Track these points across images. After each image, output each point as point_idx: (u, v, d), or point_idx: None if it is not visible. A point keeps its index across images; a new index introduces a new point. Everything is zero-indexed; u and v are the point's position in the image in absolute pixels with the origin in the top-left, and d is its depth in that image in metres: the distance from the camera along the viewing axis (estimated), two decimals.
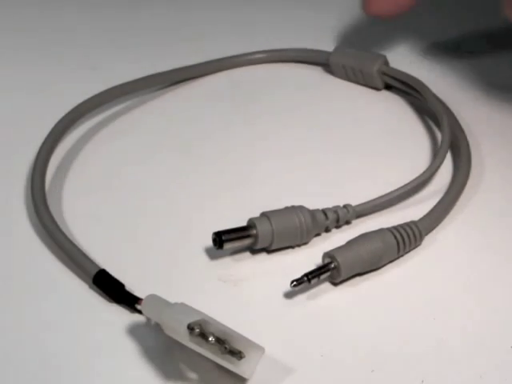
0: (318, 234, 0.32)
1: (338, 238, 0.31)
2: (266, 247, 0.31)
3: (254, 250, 0.31)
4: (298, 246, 0.31)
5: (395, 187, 0.33)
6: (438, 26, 0.54)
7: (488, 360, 0.26)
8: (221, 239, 0.29)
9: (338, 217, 0.32)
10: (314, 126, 0.40)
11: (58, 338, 0.27)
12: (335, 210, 0.32)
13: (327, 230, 0.32)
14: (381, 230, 0.30)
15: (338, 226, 0.32)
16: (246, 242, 0.30)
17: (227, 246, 0.30)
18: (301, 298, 0.28)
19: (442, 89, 0.41)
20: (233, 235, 0.30)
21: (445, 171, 0.34)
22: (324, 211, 0.31)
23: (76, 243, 0.30)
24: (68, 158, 0.37)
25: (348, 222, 0.32)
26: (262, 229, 0.30)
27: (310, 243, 0.31)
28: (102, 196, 0.35)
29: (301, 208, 0.31)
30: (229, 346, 0.24)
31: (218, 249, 0.30)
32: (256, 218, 0.30)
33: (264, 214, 0.31)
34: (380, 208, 0.33)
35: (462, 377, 0.25)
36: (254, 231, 0.30)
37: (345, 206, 0.32)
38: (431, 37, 0.52)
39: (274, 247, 0.30)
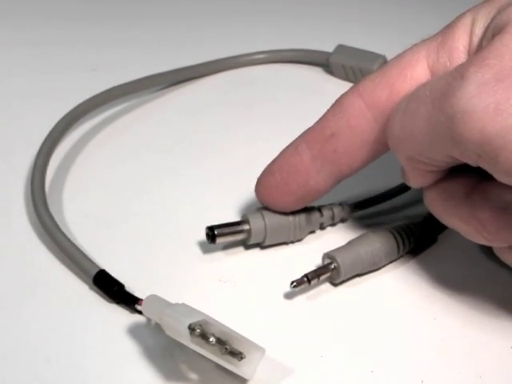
0: (312, 232, 0.32)
1: (333, 236, 0.32)
2: (259, 243, 0.31)
3: (248, 246, 0.31)
4: (292, 242, 0.31)
5: (391, 186, 0.33)
6: (437, 27, 0.54)
7: (488, 360, 0.26)
8: (213, 233, 0.29)
9: (333, 214, 0.32)
10: None
11: (58, 338, 0.27)
12: (330, 207, 0.32)
13: (322, 228, 0.32)
14: (381, 231, 0.30)
15: (333, 224, 0.32)
16: (239, 236, 0.30)
17: (220, 240, 0.30)
18: (301, 299, 0.28)
19: None
20: (226, 230, 0.30)
21: None
22: (319, 208, 0.32)
23: (76, 243, 0.30)
24: (68, 158, 0.37)
25: (343, 220, 0.32)
26: (255, 224, 0.30)
27: (304, 240, 0.31)
28: (102, 196, 0.35)
29: None
30: (229, 346, 0.24)
31: (210, 243, 0.30)
32: (250, 214, 0.30)
33: (258, 210, 0.31)
34: (375, 206, 0.33)
35: (462, 377, 0.25)
36: (247, 226, 0.30)
37: (340, 204, 0.32)
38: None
39: (267, 243, 0.31)
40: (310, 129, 0.29)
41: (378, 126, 0.27)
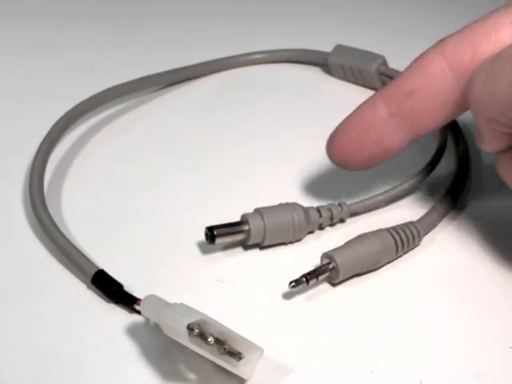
0: (311, 232, 0.32)
1: (331, 236, 0.32)
2: (258, 243, 0.31)
3: (247, 247, 0.31)
4: (291, 243, 0.31)
5: (390, 186, 0.33)
6: (435, 27, 0.54)
7: (486, 360, 0.26)
8: (213, 234, 0.29)
9: (332, 215, 0.32)
10: (312, 125, 0.40)
11: (56, 338, 0.27)
12: (329, 207, 0.32)
13: (321, 228, 0.32)
14: (379, 231, 0.30)
15: (331, 224, 0.32)
16: (238, 237, 0.30)
17: (219, 240, 0.30)
18: (299, 299, 0.28)
19: None
20: (225, 230, 0.30)
21: (442, 171, 0.35)
22: (318, 209, 0.32)
23: (75, 244, 0.30)
24: (66, 158, 0.37)
25: (342, 221, 0.32)
26: (255, 224, 0.30)
27: (303, 241, 0.31)
28: (100, 196, 0.35)
29: (294, 205, 0.31)
30: (228, 346, 0.24)
31: (209, 243, 0.30)
32: (249, 214, 0.30)
33: (257, 210, 0.31)
34: (374, 207, 0.33)
35: (461, 377, 0.25)
36: (247, 227, 0.30)
37: (339, 204, 0.32)
38: (430, 37, 0.52)
39: (266, 243, 0.31)
40: (387, 85, 0.29)
41: (458, 86, 0.27)
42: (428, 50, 0.28)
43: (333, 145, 0.30)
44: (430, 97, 0.28)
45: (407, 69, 0.29)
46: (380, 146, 0.29)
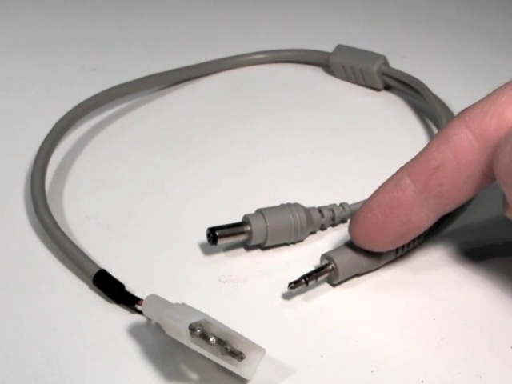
0: (313, 232, 0.32)
1: (333, 237, 0.32)
2: (260, 244, 0.31)
3: (249, 247, 0.31)
4: (293, 243, 0.31)
5: None
6: (438, 27, 0.54)
7: (488, 360, 0.26)
8: (215, 235, 0.29)
9: (334, 215, 0.32)
10: (313, 125, 0.41)
11: (57, 338, 0.27)
12: (331, 208, 0.32)
13: (323, 229, 0.32)
14: None
15: (333, 225, 0.32)
16: (240, 238, 0.30)
17: (221, 241, 0.30)
18: (300, 299, 0.28)
19: (442, 89, 0.41)
20: (227, 231, 0.30)
21: None
22: (320, 209, 0.32)
23: (76, 243, 0.30)
24: (68, 157, 0.37)
25: (344, 221, 0.32)
26: (256, 225, 0.30)
27: (305, 241, 0.31)
28: (102, 196, 0.35)
29: (296, 205, 0.31)
30: (230, 346, 0.24)
31: (211, 244, 0.30)
32: (250, 215, 0.30)
33: (259, 211, 0.31)
34: None
35: (462, 377, 0.25)
36: (248, 228, 0.30)
37: (341, 205, 0.32)
38: (431, 37, 0.52)
39: (268, 244, 0.31)
40: (412, 161, 0.27)
41: (485, 157, 0.26)
42: (452, 121, 0.27)
43: (358, 227, 0.28)
44: (457, 170, 0.26)
45: (432, 142, 0.27)
46: (408, 224, 0.27)
